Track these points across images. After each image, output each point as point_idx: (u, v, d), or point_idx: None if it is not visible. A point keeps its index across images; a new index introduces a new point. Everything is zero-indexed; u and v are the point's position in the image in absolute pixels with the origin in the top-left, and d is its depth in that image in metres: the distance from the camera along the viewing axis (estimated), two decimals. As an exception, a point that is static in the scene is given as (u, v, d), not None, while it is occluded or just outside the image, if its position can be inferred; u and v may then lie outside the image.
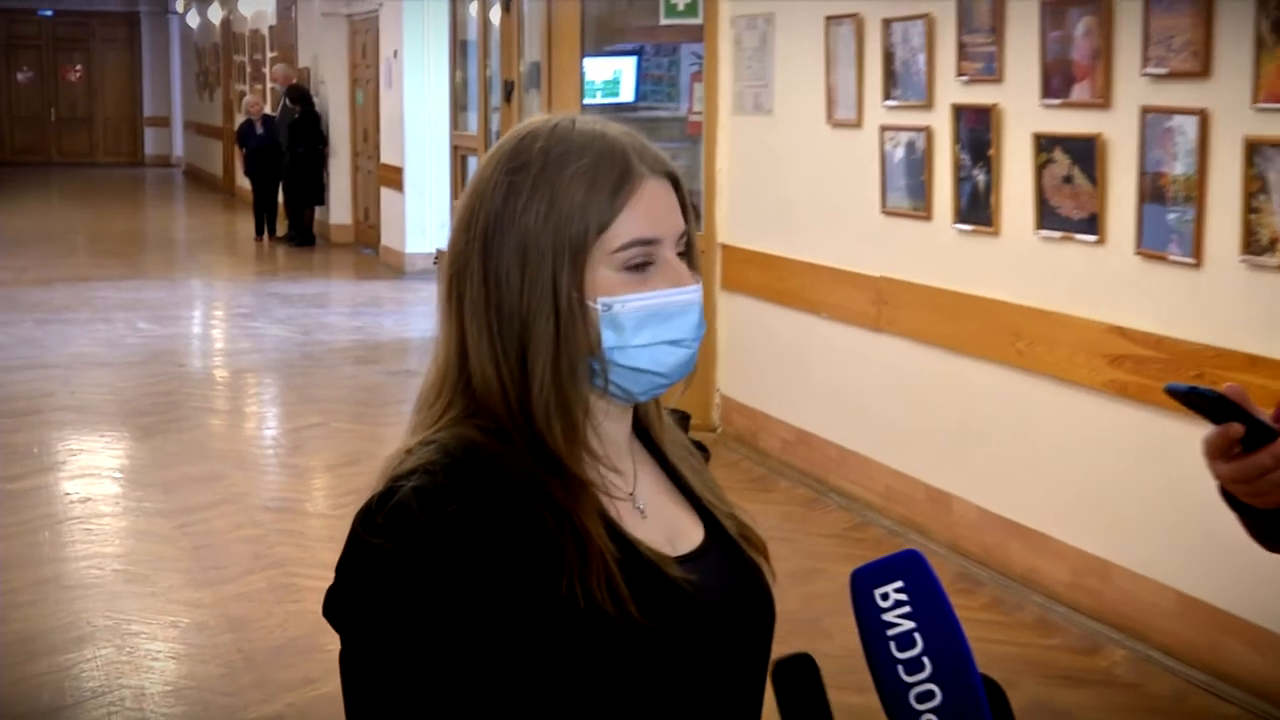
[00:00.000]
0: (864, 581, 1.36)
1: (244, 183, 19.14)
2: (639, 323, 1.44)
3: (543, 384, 1.42)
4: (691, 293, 1.46)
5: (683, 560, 1.47)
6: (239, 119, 18.01)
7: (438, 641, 1.34)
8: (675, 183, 1.49)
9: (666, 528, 1.50)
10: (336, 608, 1.40)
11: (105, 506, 6.62)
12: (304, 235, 16.78)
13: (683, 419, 1.67)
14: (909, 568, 1.36)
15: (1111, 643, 4.93)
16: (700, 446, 1.67)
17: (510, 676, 1.35)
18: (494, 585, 1.34)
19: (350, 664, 1.39)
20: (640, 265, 1.44)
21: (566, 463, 1.42)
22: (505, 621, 1.35)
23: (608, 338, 1.43)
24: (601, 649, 1.36)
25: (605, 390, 1.46)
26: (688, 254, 1.49)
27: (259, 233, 17.32)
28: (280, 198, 17.30)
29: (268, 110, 18.17)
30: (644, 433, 1.58)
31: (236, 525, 6.26)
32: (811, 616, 5.00)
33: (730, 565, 1.52)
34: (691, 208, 1.51)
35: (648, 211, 1.45)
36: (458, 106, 11.27)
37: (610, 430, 1.50)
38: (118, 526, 6.35)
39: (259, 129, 17.32)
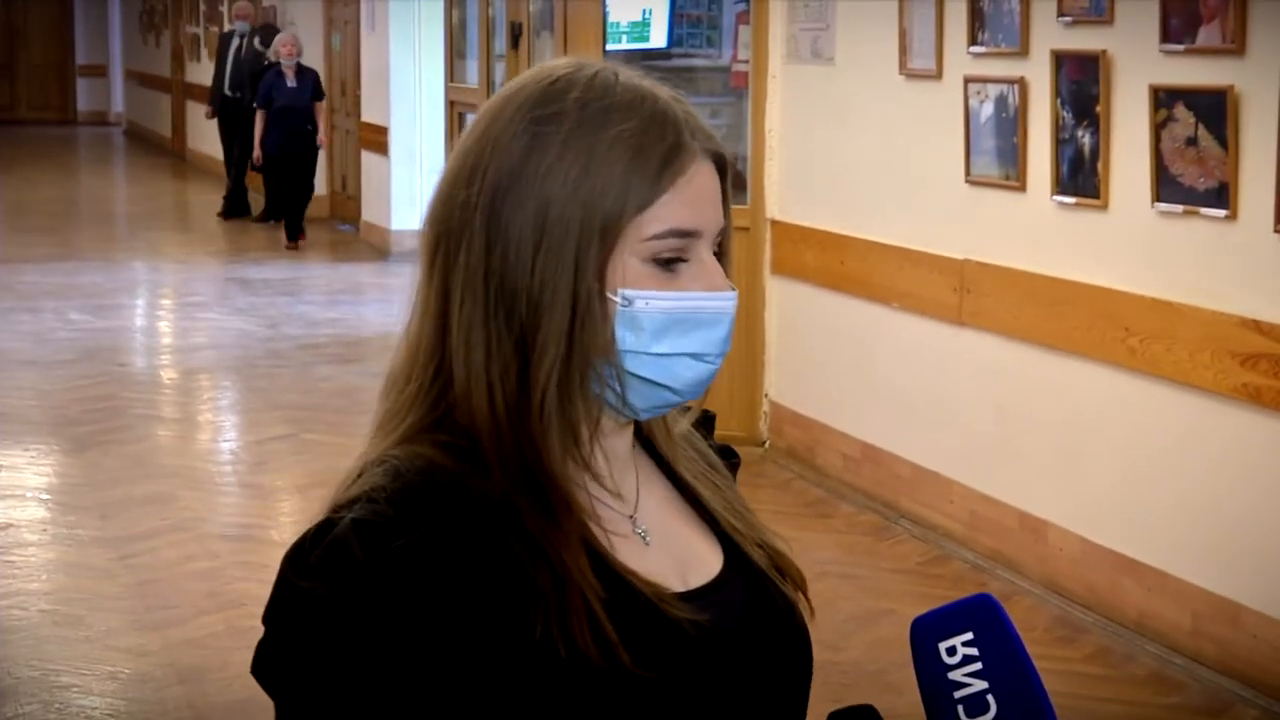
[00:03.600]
0: (927, 633, 1.37)
1: (207, 147, 18.81)
2: (661, 327, 1.44)
3: (547, 387, 1.42)
4: (727, 300, 1.46)
5: (693, 596, 1.48)
6: (271, 60, 15.17)
7: (384, 706, 1.35)
8: (721, 167, 1.49)
9: (676, 557, 1.51)
10: (265, 666, 1.41)
11: (30, 534, 6.65)
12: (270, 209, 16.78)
13: (706, 421, 1.68)
14: (980, 616, 1.36)
15: (1242, 701, 4.92)
16: (728, 452, 1.68)
17: None
18: (452, 634, 1.35)
19: None
20: (670, 260, 1.44)
21: (557, 483, 1.43)
22: (468, 675, 1.35)
23: (621, 339, 1.43)
24: (588, 703, 1.37)
25: (613, 403, 1.46)
26: (722, 255, 1.49)
27: (292, 236, 15.06)
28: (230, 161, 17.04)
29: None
30: (648, 443, 1.59)
31: (188, 556, 6.28)
32: (877, 668, 4.99)
33: (754, 600, 1.53)
34: (731, 198, 1.51)
35: (694, 198, 1.45)
36: (454, 54, 11.28)
37: (614, 446, 1.51)
38: (45, 558, 6.38)
39: (290, 80, 14.99)
